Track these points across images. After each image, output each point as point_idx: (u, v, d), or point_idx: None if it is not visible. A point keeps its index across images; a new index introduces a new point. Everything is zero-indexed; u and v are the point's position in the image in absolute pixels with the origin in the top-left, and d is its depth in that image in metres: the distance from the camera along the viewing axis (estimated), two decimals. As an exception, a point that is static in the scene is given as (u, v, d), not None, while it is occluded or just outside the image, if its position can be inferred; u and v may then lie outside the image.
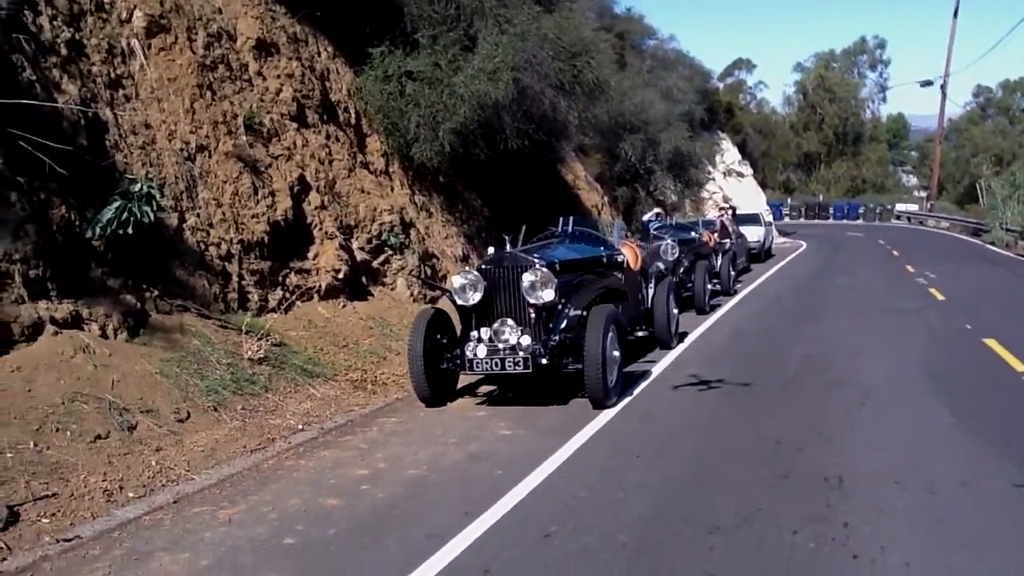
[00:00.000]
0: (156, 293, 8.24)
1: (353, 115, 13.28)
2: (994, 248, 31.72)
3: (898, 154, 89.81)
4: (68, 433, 6.11)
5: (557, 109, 14.84)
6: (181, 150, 9.35)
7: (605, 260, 10.05)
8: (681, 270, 15.00)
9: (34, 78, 7.54)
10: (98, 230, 7.57)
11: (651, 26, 37.27)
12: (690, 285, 14.97)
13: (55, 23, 8.18)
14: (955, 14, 50.49)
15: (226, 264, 9.45)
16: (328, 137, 12.17)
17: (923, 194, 64.63)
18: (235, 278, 9.54)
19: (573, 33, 14.94)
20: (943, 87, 52.36)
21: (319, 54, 13.00)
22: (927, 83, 55.50)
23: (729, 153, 43.50)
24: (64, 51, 8.18)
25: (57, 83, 7.92)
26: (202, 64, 10.03)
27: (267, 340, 8.79)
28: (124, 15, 9.28)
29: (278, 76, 11.42)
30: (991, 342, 11.14)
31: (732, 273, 18.67)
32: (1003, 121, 78.07)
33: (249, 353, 8.44)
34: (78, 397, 6.48)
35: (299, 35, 12.44)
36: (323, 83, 12.61)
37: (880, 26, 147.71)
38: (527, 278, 8.24)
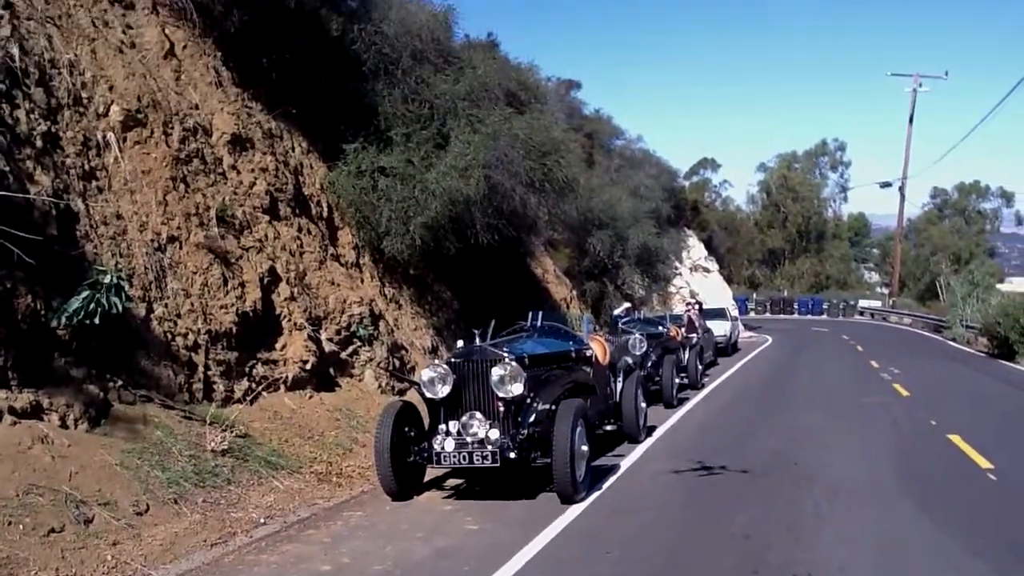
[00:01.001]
0: (120, 383, 8.14)
1: (325, 208, 13.43)
2: (955, 344, 32.25)
3: (860, 251, 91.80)
4: (21, 526, 5.94)
5: (527, 205, 15.11)
6: (152, 241, 9.38)
7: (574, 354, 10.11)
8: (649, 364, 15.10)
9: (7, 169, 7.59)
10: (64, 320, 7.52)
11: (619, 127, 38.36)
12: (658, 379, 15.04)
13: (32, 116, 8.28)
14: (910, 120, 52.44)
15: (192, 354, 9.38)
16: (300, 230, 12.27)
17: (885, 290, 65.91)
18: (201, 368, 9.46)
19: (543, 133, 15.35)
20: (901, 189, 54.00)
21: (293, 149, 13.21)
22: (886, 184, 57.16)
23: (696, 249, 44.27)
24: (39, 143, 8.26)
25: (31, 174, 7.97)
26: (177, 157, 10.15)
27: (231, 431, 8.67)
28: (101, 109, 9.42)
29: (252, 170, 11.57)
30: (955, 438, 11.26)
31: (699, 367, 18.79)
32: (960, 221, 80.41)
33: (212, 445, 8.31)
34: (33, 489, 6.32)
35: (274, 131, 12.67)
36: (297, 177, 12.78)
37: (840, 129, 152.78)
38: (496, 372, 8.25)
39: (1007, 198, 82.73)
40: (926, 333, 40.01)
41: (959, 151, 73.92)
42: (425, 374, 8.53)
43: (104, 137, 9.34)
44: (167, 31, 11.22)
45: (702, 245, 47.66)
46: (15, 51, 8.31)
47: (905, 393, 16.74)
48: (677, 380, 15.61)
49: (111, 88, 9.64)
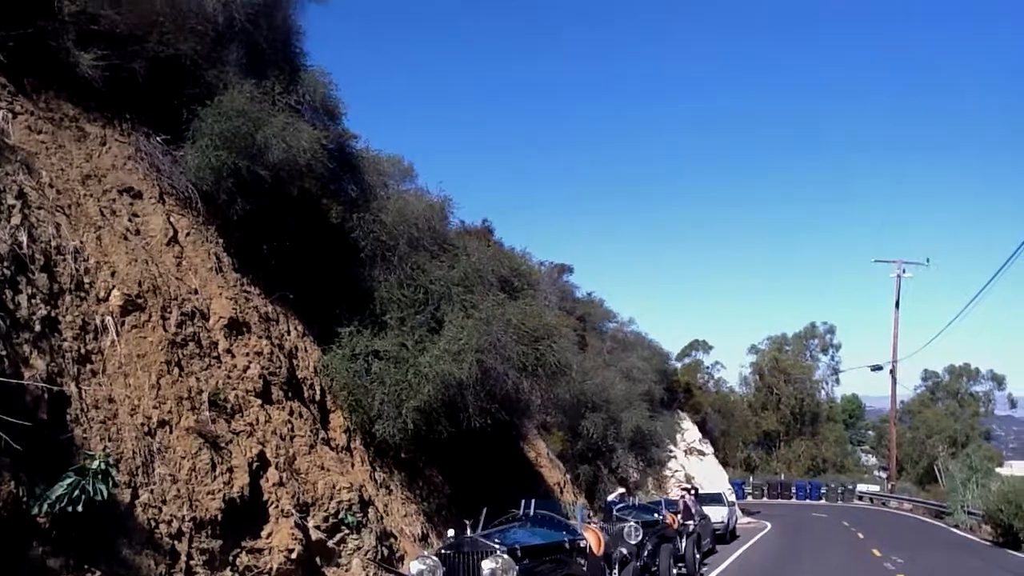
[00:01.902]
0: (99, 574, 7.86)
1: (318, 391, 13.42)
2: (959, 532, 31.46)
3: (855, 434, 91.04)
4: None
5: (520, 389, 15.14)
6: (142, 425, 9.31)
7: (568, 545, 9.85)
8: (645, 553, 14.66)
9: (4, 353, 7.64)
10: (45, 507, 7.35)
11: (611, 310, 39.01)
12: (655, 569, 14.56)
13: (33, 301, 8.42)
14: (896, 305, 53.44)
15: (176, 543, 9.10)
16: (292, 413, 12.21)
17: (883, 474, 64.90)
18: (183, 557, 9.14)
19: (536, 318, 15.60)
20: (892, 372, 54.27)
21: (289, 332, 13.36)
22: (877, 368, 57.53)
23: (690, 432, 43.92)
24: (38, 327, 8.36)
25: (26, 358, 8.02)
26: (172, 341, 10.25)
27: (211, 628, 8.29)
28: (102, 293, 9.60)
29: (247, 354, 11.65)
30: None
31: (697, 556, 18.25)
32: (953, 404, 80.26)
33: (190, 643, 7.92)
34: None
35: (271, 314, 12.86)
36: (291, 360, 12.86)
37: (829, 312, 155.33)
38: (487, 565, 8.02)
39: (998, 381, 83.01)
40: (927, 519, 39.10)
41: (948, 333, 75.25)
42: (414, 567, 8.29)
43: (103, 321, 9.46)
44: (172, 219, 11.60)
45: (696, 428, 47.32)
46: (24, 238, 8.56)
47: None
48: (675, 570, 15.12)
49: (113, 273, 9.86)
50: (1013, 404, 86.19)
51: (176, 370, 10.15)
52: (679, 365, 60.81)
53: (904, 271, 52.44)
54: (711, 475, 42.03)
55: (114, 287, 9.75)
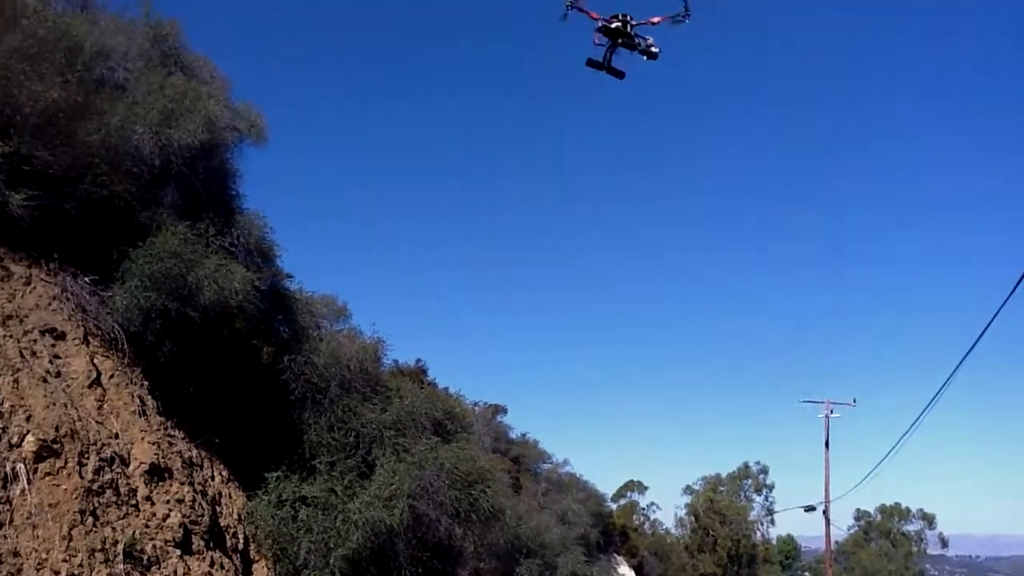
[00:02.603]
0: None
1: (242, 540, 12.85)
2: None
3: (792, 575, 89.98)
4: None
5: (453, 536, 14.75)
6: (49, 581, 8.76)
7: None
8: None
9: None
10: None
11: (545, 451, 38.62)
12: None
13: (-60, 448, 8.02)
14: (826, 445, 53.93)
15: None
16: (212, 564, 11.63)
17: (823, 618, 63.81)
18: None
19: (469, 462, 15.36)
20: (825, 513, 54.25)
21: (213, 478, 12.88)
22: (810, 508, 57.38)
23: (627, 577, 42.93)
24: (-57, 476, 7.93)
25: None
26: (89, 489, 9.79)
27: None
28: (15, 439, 9.20)
29: (167, 501, 11.17)
30: None
31: None
32: (886, 544, 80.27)
33: None
34: None
35: (195, 459, 12.42)
36: (214, 507, 12.34)
37: (762, 452, 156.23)
38: None
39: (929, 520, 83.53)
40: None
41: (879, 472, 76.02)
42: None
43: (13, 468, 9.02)
44: (96, 360, 11.29)
45: (633, 572, 46.32)
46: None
47: None
48: None
49: (29, 417, 9.48)
50: (944, 544, 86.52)
51: (90, 519, 9.65)
52: (614, 507, 60.06)
53: (832, 411, 53.25)
54: (649, 622, 40.89)
55: (29, 432, 9.36)
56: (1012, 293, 12.61)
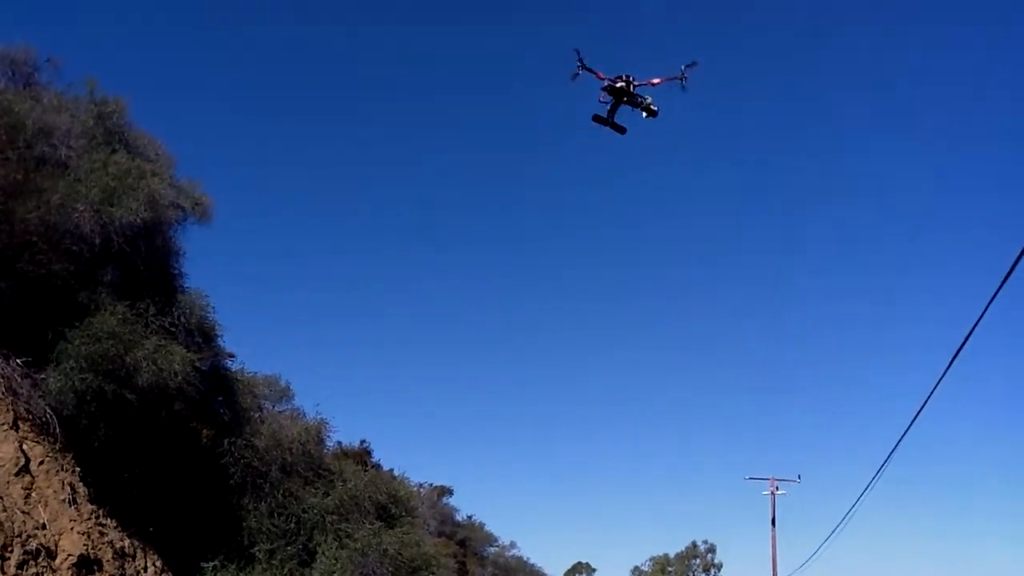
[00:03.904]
0: None
1: (174, 635, 12.27)
2: None
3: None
4: None
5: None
6: None
7: None
8: None
9: None
10: None
11: (492, 533, 37.95)
12: None
13: None
14: (773, 522, 53.96)
15: None
16: (142, 662, 11.06)
17: None
18: None
19: (414, 547, 15.02)
20: (773, 593, 53.91)
21: (146, 568, 12.33)
22: (758, 587, 57.05)
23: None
24: None
25: None
26: (11, 584, 9.29)
27: None
28: (-66, 532, 8.71)
29: (96, 595, 10.65)
30: None
31: None
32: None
33: None
34: None
35: (127, 549, 11.89)
36: (145, 601, 11.79)
37: (710, 530, 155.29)
38: None
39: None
40: None
41: (828, 547, 75.87)
42: None
43: (-69, 564, 8.53)
44: (25, 446, 10.84)
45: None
46: None
47: None
48: None
49: (-50, 509, 9.02)
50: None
51: (12, 618, 9.14)
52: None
53: (778, 488, 53.37)
54: None
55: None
56: (942, 379, 12.83)
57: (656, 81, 12.84)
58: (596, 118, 13.06)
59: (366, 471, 17.87)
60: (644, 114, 12.88)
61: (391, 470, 22.98)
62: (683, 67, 12.72)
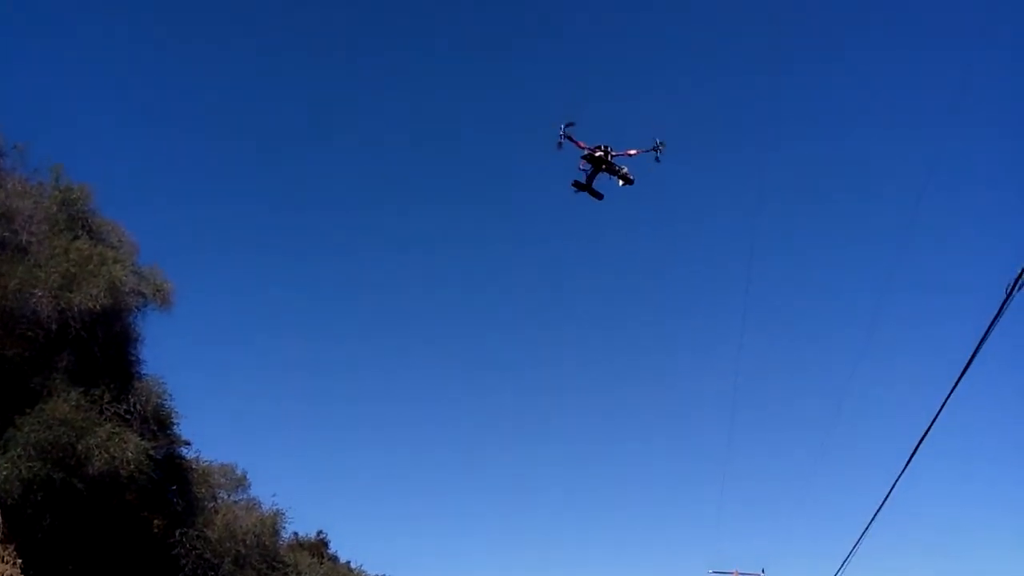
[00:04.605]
0: None
1: None
2: None
3: None
4: None
5: None
6: None
7: None
8: None
9: None
10: None
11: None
12: None
13: None
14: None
15: None
16: None
17: None
18: None
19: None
20: None
21: (87, 666, 11.90)
22: None
23: None
24: None
25: None
26: None
27: None
28: None
29: None
30: None
31: None
32: None
33: None
34: None
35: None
36: None
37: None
38: None
39: None
40: None
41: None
42: None
43: None
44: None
45: None
46: None
47: None
48: None
49: None
50: None
51: None
52: None
53: (742, 584, 52.63)
54: None
55: None
56: (903, 472, 12.94)
57: (632, 152, 13.64)
58: (576, 184, 13.74)
59: (322, 563, 17.52)
60: (620, 182, 13.63)
61: (348, 562, 22.49)
62: (657, 140, 13.60)
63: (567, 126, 13.27)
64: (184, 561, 13.71)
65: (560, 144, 13.29)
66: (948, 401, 10.43)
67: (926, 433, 11.29)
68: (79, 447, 11.61)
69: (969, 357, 9.49)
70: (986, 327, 9.00)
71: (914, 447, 11.83)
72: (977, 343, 9.27)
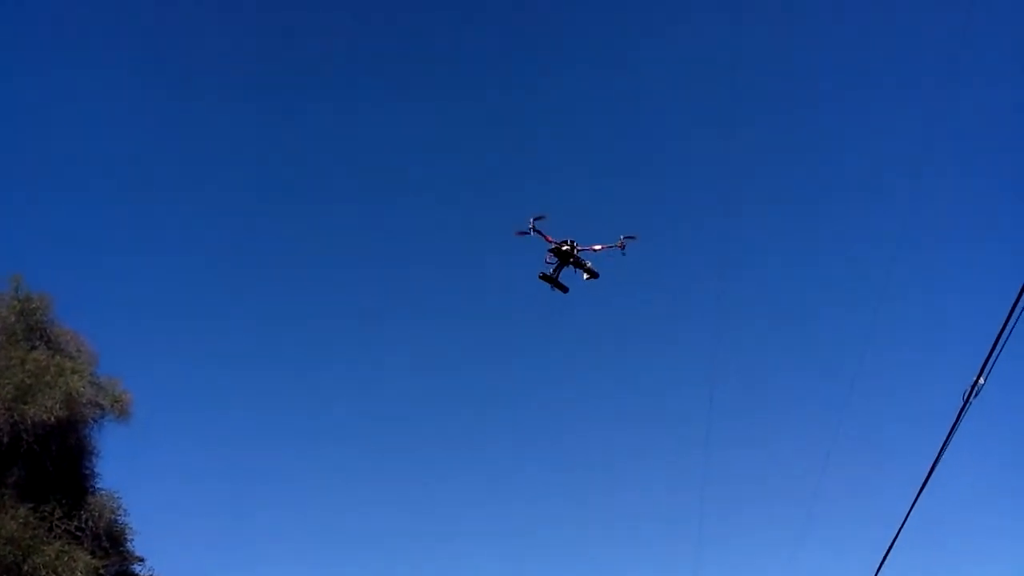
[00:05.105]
0: None
1: None
2: None
3: None
4: None
5: None
6: None
7: None
8: None
9: None
10: None
11: None
12: None
13: None
14: None
15: None
16: None
17: None
18: None
19: None
20: None
21: None
22: None
23: None
24: None
25: None
26: None
27: None
28: None
29: None
30: None
31: None
32: None
33: None
34: None
35: None
36: None
37: None
38: None
39: None
40: None
41: None
42: None
43: None
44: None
45: None
46: None
47: None
48: None
49: None
50: None
51: None
52: None
53: None
54: None
55: None
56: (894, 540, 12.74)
57: (597, 248, 14.07)
58: (543, 276, 13.99)
59: None
60: (585, 276, 14.02)
61: None
62: (622, 236, 14.03)
63: (536, 219, 13.75)
64: None
65: (528, 232, 13.70)
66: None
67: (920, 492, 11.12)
68: (25, 567, 11.19)
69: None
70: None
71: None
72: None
